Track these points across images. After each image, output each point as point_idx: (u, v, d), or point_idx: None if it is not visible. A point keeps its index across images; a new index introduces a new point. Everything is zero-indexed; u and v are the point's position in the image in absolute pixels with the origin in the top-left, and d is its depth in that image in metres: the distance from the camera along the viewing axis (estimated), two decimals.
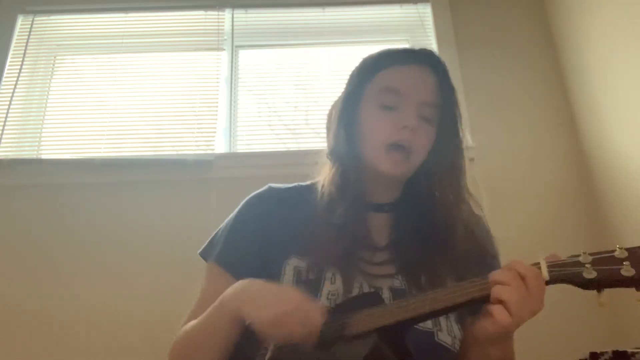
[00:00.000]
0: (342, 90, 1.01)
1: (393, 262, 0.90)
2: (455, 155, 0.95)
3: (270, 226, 0.94)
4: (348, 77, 1.01)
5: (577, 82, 1.97)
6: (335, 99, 1.03)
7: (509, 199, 1.88)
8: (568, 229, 1.84)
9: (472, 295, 0.70)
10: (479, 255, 0.93)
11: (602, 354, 0.97)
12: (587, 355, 1.00)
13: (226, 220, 0.99)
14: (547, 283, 0.68)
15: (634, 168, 1.63)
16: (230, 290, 0.81)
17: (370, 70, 0.97)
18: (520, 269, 0.68)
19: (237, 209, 0.99)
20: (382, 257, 0.90)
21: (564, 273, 0.66)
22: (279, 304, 0.73)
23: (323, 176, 0.98)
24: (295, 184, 1.03)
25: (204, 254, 0.97)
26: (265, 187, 1.01)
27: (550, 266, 0.68)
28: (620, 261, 0.64)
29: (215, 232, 0.99)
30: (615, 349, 0.95)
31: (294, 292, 0.76)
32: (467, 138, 1.92)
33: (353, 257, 0.88)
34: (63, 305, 1.71)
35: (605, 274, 0.64)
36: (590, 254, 0.66)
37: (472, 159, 1.92)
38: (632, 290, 0.64)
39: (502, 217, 1.81)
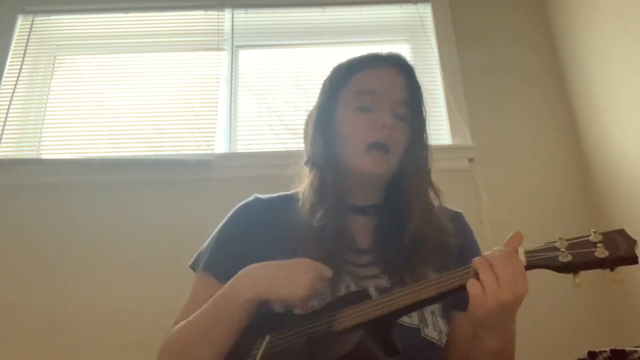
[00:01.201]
0: (317, 100, 1.04)
1: (378, 264, 0.92)
2: (424, 151, 0.99)
3: (256, 232, 0.96)
4: (322, 85, 1.04)
5: (577, 82, 1.97)
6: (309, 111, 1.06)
7: (509, 199, 1.88)
8: (568, 228, 1.84)
9: (452, 285, 0.72)
10: (457, 251, 0.95)
11: (601, 353, 0.97)
12: (585, 354, 1.01)
13: (213, 233, 1.01)
14: (526, 268, 0.70)
15: (634, 168, 1.63)
16: (238, 279, 0.83)
17: (342, 76, 1.00)
18: (490, 257, 0.70)
19: (224, 220, 1.02)
20: (366, 259, 0.92)
21: (541, 258, 0.69)
22: (304, 276, 0.79)
23: (304, 185, 1.01)
24: (281, 193, 1.06)
25: (193, 266, 0.99)
26: (251, 197, 1.04)
27: (527, 253, 0.71)
28: (594, 244, 0.66)
29: (203, 245, 1.01)
30: (613, 348, 0.95)
31: (301, 261, 0.82)
32: (467, 138, 1.94)
33: (338, 259, 0.89)
34: (63, 305, 1.71)
35: (580, 256, 0.66)
36: (566, 240, 0.69)
37: (472, 159, 1.92)
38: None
39: (502, 216, 1.82)
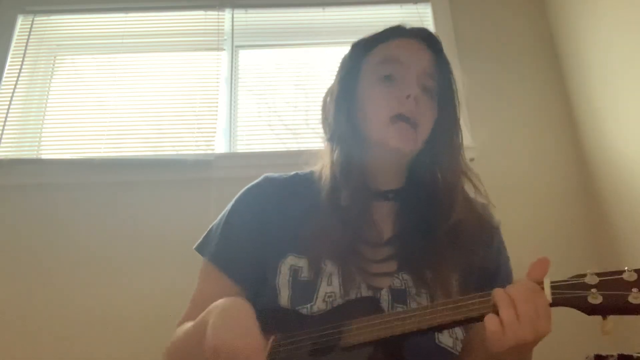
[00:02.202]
0: (336, 74, 0.97)
1: (395, 258, 0.86)
2: (455, 132, 0.92)
3: (266, 222, 0.90)
4: (341, 60, 0.97)
5: (577, 82, 1.97)
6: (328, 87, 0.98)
7: (509, 199, 1.88)
8: (568, 228, 1.84)
9: (469, 315, 0.67)
10: (484, 246, 0.89)
11: (608, 357, 0.96)
12: (592, 357, 1.00)
13: (222, 214, 0.96)
14: (551, 305, 0.64)
15: (634, 168, 1.63)
16: (212, 305, 0.76)
17: (365, 47, 0.94)
18: (512, 292, 0.64)
19: (232, 202, 0.96)
20: (384, 253, 0.86)
21: (568, 297, 0.63)
22: (227, 334, 0.67)
23: (322, 163, 0.94)
24: (294, 172, 0.98)
25: (200, 249, 0.94)
26: (261, 178, 0.97)
27: (554, 287, 0.64)
28: (629, 286, 0.59)
29: (211, 226, 0.96)
30: (620, 352, 0.94)
31: (253, 339, 0.67)
32: (467, 138, 1.93)
33: (354, 254, 0.84)
34: (63, 305, 1.71)
35: (611, 300, 0.60)
36: (597, 275, 0.62)
37: (472, 159, 1.92)
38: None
39: (502, 216, 1.81)
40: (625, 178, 1.68)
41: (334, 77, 0.98)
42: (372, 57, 0.92)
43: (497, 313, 0.64)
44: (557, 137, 1.99)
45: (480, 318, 0.66)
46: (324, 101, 0.97)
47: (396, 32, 0.93)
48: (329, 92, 0.97)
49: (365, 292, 0.82)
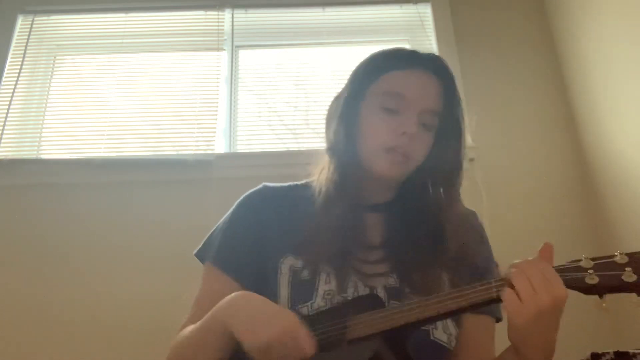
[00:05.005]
0: (345, 85, 0.99)
1: (387, 261, 0.90)
2: (454, 162, 0.96)
3: (265, 224, 0.94)
4: (352, 72, 0.99)
5: (577, 82, 1.97)
6: (337, 93, 1.01)
7: (509, 199, 1.88)
8: (568, 228, 1.84)
9: (486, 297, 0.69)
10: (472, 256, 0.93)
11: (604, 354, 0.97)
12: (588, 356, 1.00)
13: (221, 220, 0.99)
14: None
15: (634, 168, 1.63)
16: (223, 302, 0.79)
17: (375, 70, 0.95)
18: (520, 264, 0.69)
19: (232, 208, 0.99)
20: (376, 256, 0.90)
21: (567, 278, 0.67)
22: (268, 328, 0.70)
23: (319, 174, 0.98)
24: (291, 183, 1.03)
25: (200, 255, 0.97)
26: (260, 186, 1.01)
27: (554, 270, 0.68)
28: (621, 267, 0.65)
29: (210, 233, 0.99)
30: (616, 350, 0.95)
31: (286, 316, 0.73)
32: (467, 138, 1.94)
33: (347, 255, 0.88)
34: (63, 305, 1.71)
35: (607, 279, 0.65)
36: (592, 259, 0.67)
37: (472, 159, 1.92)
38: (633, 294, 0.65)
39: (502, 216, 1.82)
40: (625, 177, 1.68)
41: (345, 81, 1.00)
42: (380, 83, 0.93)
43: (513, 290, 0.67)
44: (557, 137, 1.99)
45: (497, 299, 0.68)
46: (331, 108, 1.00)
47: (407, 62, 0.94)
48: (337, 100, 0.99)
49: (362, 290, 0.85)
